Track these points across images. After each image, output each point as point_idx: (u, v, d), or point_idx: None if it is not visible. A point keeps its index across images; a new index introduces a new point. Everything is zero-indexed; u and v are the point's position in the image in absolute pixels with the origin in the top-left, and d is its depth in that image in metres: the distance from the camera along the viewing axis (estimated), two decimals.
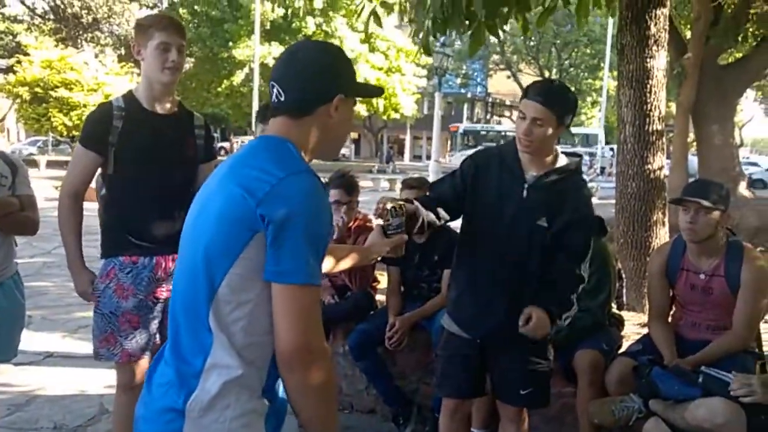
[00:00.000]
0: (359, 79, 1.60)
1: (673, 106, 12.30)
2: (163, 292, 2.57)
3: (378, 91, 1.68)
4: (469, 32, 3.66)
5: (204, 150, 2.69)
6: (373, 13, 4.00)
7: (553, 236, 2.32)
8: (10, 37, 27.20)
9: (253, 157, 1.40)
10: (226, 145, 35.29)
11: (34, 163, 22.79)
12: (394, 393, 3.55)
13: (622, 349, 3.21)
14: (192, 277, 1.37)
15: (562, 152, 2.45)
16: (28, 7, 28.50)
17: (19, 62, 23.24)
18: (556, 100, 2.27)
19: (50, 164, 23.76)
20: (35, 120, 23.10)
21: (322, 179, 1.44)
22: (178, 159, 2.56)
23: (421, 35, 3.70)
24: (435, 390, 2.79)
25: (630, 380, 2.83)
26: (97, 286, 2.54)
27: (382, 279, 3.91)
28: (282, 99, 1.43)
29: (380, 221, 2.16)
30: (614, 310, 3.37)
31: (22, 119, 24.00)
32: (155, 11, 26.23)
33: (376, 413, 3.71)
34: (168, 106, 2.59)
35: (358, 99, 1.57)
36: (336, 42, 24.63)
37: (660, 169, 4.48)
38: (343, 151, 39.90)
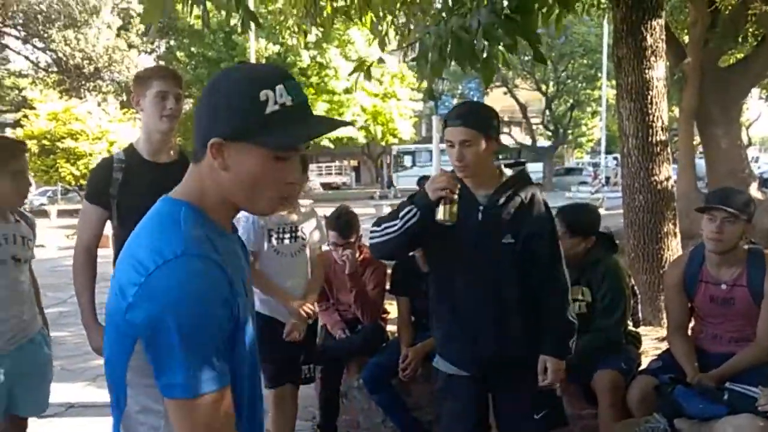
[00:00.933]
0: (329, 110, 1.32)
1: (677, 111, 12.25)
2: None
3: (309, 133, 1.20)
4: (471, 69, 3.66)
5: None
6: (366, 68, 4.02)
7: (522, 249, 2.29)
8: (16, 92, 27.62)
9: (142, 232, 1.20)
10: None
11: (45, 214, 23.06)
12: (411, 424, 3.49)
13: (642, 367, 3.14)
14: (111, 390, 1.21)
15: (504, 165, 2.45)
16: (32, 62, 28.98)
17: (26, 116, 23.58)
18: (475, 118, 2.29)
19: (61, 213, 23.98)
20: (44, 171, 23.33)
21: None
22: None
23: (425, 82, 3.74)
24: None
25: (652, 399, 2.76)
26: None
27: (392, 309, 3.87)
28: None
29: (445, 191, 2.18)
30: (630, 327, 3.30)
31: (32, 171, 24.23)
32: (153, 56, 26.62)
33: None
34: (169, 154, 2.62)
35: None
36: (331, 72, 24.86)
37: (667, 179, 4.43)
38: (344, 179, 40.03)
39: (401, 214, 2.29)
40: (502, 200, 2.32)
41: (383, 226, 2.34)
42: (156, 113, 2.51)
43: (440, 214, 2.19)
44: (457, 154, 2.27)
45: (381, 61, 4.22)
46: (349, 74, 4.45)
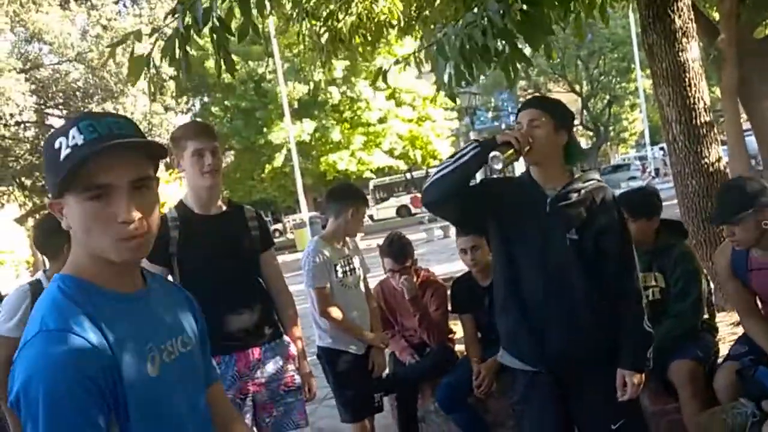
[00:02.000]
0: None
1: (718, 92, 11.94)
2: (249, 386, 2.62)
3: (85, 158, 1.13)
4: (493, 68, 3.65)
5: (261, 240, 2.75)
6: (382, 73, 4.06)
7: (591, 247, 2.24)
8: None
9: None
10: (278, 226, 35.99)
11: None
12: None
13: (721, 354, 3.05)
14: None
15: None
16: None
17: None
18: (546, 102, 2.33)
19: None
20: None
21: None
22: (236, 255, 2.63)
23: (444, 87, 3.71)
24: None
25: (739, 385, 2.67)
26: None
27: (457, 329, 3.86)
28: None
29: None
30: (706, 317, 3.20)
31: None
32: (189, 115, 27.40)
33: None
34: (218, 205, 2.67)
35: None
36: (362, 104, 25.15)
37: (718, 160, 4.32)
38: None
39: (462, 150, 2.29)
40: (570, 195, 2.28)
41: (442, 164, 2.31)
42: (197, 172, 2.54)
43: (495, 152, 2.17)
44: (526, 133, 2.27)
45: (397, 62, 4.24)
46: (371, 83, 4.51)
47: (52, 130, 1.21)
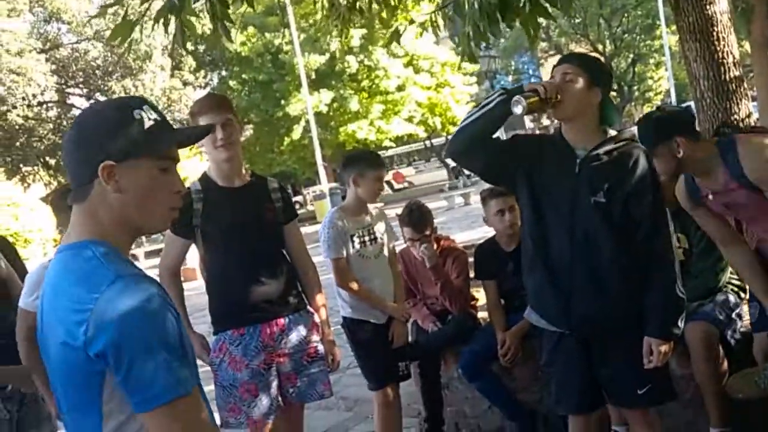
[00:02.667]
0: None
1: (747, 46, 11.60)
2: (274, 357, 2.65)
3: (191, 137, 1.37)
4: (518, 25, 3.52)
5: (284, 211, 2.76)
6: (396, 32, 3.98)
7: (620, 211, 2.16)
8: None
9: (63, 280, 1.21)
10: (299, 198, 36.21)
11: (134, 257, 24.14)
12: (515, 408, 3.44)
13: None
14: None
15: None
16: None
17: None
18: (583, 59, 2.26)
19: (148, 255, 25.01)
20: None
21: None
22: (260, 226, 2.65)
23: (465, 48, 3.62)
24: (554, 407, 2.60)
25: None
26: (213, 360, 2.65)
27: (479, 296, 3.83)
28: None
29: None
30: (731, 275, 3.11)
31: None
32: (207, 89, 27.42)
33: (504, 430, 3.59)
34: (242, 177, 2.68)
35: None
36: (380, 72, 24.93)
37: (748, 116, 4.20)
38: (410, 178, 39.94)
39: (488, 97, 2.24)
40: (601, 156, 2.20)
41: (469, 112, 2.27)
42: (211, 146, 2.57)
43: (518, 96, 2.11)
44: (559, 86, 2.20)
45: (412, 22, 4.15)
46: (385, 44, 4.44)
47: (110, 104, 1.32)
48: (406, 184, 34.83)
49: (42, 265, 2.69)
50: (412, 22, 4.22)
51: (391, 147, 28.68)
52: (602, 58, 27.60)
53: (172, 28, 3.28)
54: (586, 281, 2.21)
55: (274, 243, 2.72)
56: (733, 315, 2.96)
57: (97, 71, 25.55)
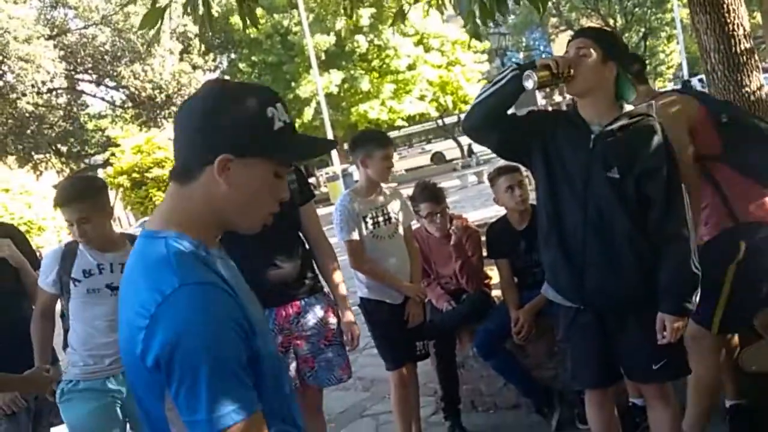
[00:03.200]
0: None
1: (759, 17, 11.44)
2: (291, 340, 2.66)
3: (316, 149, 1.32)
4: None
5: (300, 193, 2.75)
6: (400, 11, 3.95)
7: (634, 188, 2.15)
8: (100, 133, 29.19)
9: (134, 276, 1.15)
10: (312, 180, 36.29)
11: None
12: (530, 385, 3.48)
13: None
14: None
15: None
16: (107, 102, 30.53)
17: (113, 155, 24.90)
18: (598, 33, 2.23)
19: None
20: (139, 203, 24.60)
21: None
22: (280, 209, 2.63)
23: (470, 26, 3.58)
24: (570, 382, 2.62)
25: None
26: None
27: (493, 275, 3.85)
28: (175, 158, 1.19)
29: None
30: None
31: (129, 206, 25.63)
32: (217, 73, 27.40)
33: (520, 407, 3.63)
34: None
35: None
36: (391, 52, 24.79)
37: (759, 88, 4.14)
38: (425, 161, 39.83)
39: (501, 72, 2.24)
40: (616, 132, 2.18)
41: (483, 88, 2.27)
42: None
43: (529, 71, 2.11)
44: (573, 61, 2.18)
45: (417, 0, 4.12)
46: (390, 25, 4.40)
47: (247, 92, 1.19)
48: None
49: (58, 249, 2.72)
50: (417, 0, 4.18)
51: (404, 126, 28.55)
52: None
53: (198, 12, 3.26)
54: (598, 256, 2.21)
55: (289, 225, 2.71)
56: None
57: (105, 56, 25.56)
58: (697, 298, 2.20)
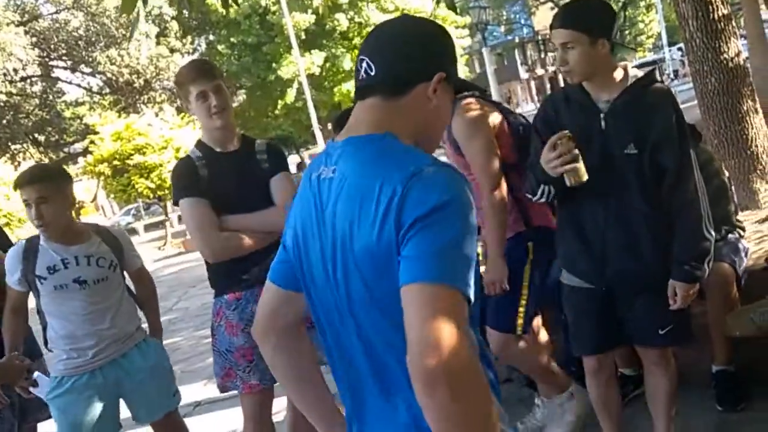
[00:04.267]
0: None
1: None
2: None
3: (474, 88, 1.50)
4: None
5: (270, 168, 2.67)
6: None
7: (649, 160, 2.12)
8: (78, 121, 28.80)
9: (364, 162, 1.17)
10: (296, 159, 36.16)
11: (134, 231, 24.13)
12: None
13: (752, 251, 3.00)
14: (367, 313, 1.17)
15: (635, 66, 2.27)
16: (84, 88, 30.10)
17: (92, 142, 24.60)
18: (576, 17, 2.13)
19: (148, 228, 25.01)
20: (121, 191, 24.35)
21: None
22: (255, 188, 2.60)
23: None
24: (571, 349, 2.59)
25: None
26: (212, 324, 2.64)
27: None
28: (372, 73, 1.21)
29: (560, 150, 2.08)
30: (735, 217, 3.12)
31: (111, 194, 25.42)
32: (196, 55, 27.03)
33: (512, 381, 3.65)
34: (234, 142, 2.64)
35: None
36: (372, 29, 24.60)
37: (737, 55, 4.15)
38: None
39: (538, 193, 2.27)
40: (626, 105, 2.14)
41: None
42: (205, 114, 2.51)
43: (570, 181, 2.09)
44: (560, 58, 2.15)
45: None
46: (369, 0, 4.31)
47: (438, 28, 1.29)
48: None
49: (18, 245, 2.66)
50: None
51: None
52: None
53: None
54: (617, 242, 2.19)
55: (268, 205, 2.64)
56: (741, 254, 3.00)
57: (80, 42, 25.14)
58: (708, 265, 2.18)
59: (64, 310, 2.58)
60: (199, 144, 2.64)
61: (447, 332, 0.99)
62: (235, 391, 2.64)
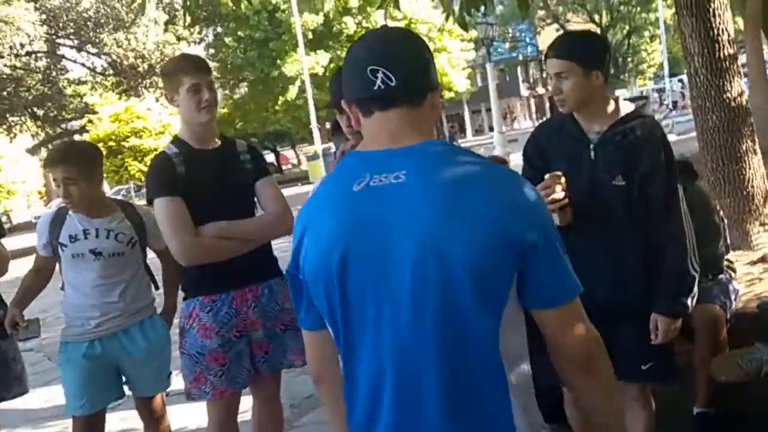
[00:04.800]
0: None
1: (740, 22, 11.52)
2: (247, 325, 2.56)
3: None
4: None
5: (254, 171, 2.64)
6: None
7: (637, 192, 2.12)
8: (78, 99, 28.67)
9: (458, 176, 1.22)
10: (292, 155, 36.16)
11: None
12: None
13: (742, 293, 3.00)
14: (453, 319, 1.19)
15: (627, 99, 2.29)
16: (88, 68, 29.96)
17: (90, 121, 24.50)
18: (570, 48, 2.15)
19: None
20: (114, 172, 24.28)
21: None
22: (235, 189, 2.56)
23: (455, 12, 3.56)
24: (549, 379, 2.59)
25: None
26: (182, 326, 2.56)
27: None
28: (392, 84, 1.22)
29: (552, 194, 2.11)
30: (727, 256, 3.12)
31: (104, 173, 25.39)
32: (202, 45, 27.02)
33: None
34: (214, 140, 2.59)
35: None
36: None
37: (740, 95, 4.18)
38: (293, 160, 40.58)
39: None
40: (615, 138, 2.15)
41: None
42: (193, 107, 2.45)
43: (558, 221, 2.10)
44: (554, 87, 2.16)
45: None
46: (378, 7, 4.37)
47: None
48: (289, 166, 36.82)
49: (49, 213, 2.77)
50: None
51: None
52: (598, 30, 27.33)
53: None
54: (606, 270, 2.17)
55: (247, 206, 2.62)
56: (731, 296, 2.99)
57: (88, 22, 25.07)
58: (692, 300, 2.18)
59: (79, 279, 2.68)
60: (176, 140, 2.56)
61: (589, 328, 1.30)
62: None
